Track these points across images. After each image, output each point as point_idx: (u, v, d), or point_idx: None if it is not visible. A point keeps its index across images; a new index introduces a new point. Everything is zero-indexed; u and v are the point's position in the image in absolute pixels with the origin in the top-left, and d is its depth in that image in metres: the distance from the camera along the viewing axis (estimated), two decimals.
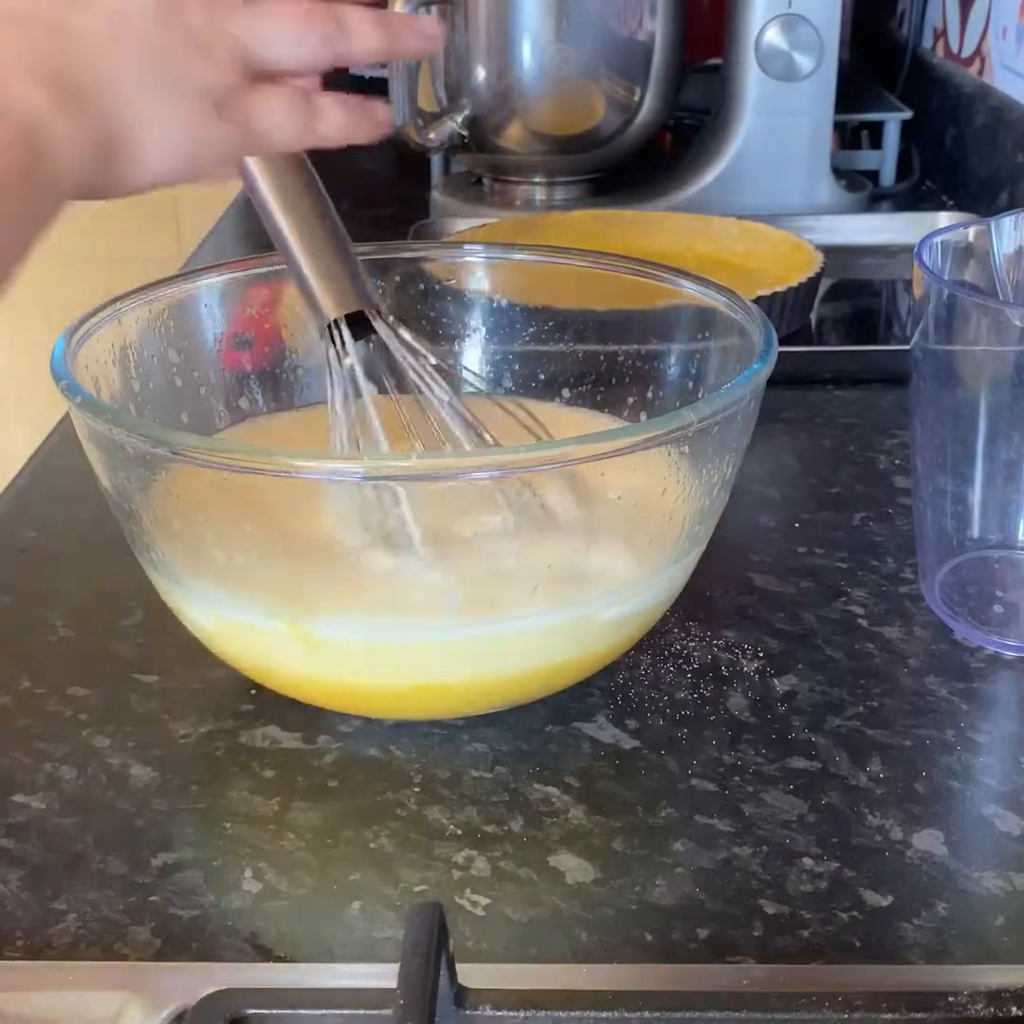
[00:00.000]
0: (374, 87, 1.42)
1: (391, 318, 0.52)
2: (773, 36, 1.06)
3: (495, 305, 0.65)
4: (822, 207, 1.10)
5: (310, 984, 0.41)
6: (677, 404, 0.58)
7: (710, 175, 1.10)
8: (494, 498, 0.49)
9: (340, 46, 0.45)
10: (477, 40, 1.06)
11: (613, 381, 0.62)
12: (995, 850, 0.47)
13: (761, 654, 0.57)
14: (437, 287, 0.65)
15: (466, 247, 0.69)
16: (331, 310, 0.51)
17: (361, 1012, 0.37)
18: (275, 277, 0.60)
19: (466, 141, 1.10)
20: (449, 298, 0.65)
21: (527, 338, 0.64)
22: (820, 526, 0.67)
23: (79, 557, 0.65)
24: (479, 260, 0.66)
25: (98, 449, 0.49)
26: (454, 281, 0.65)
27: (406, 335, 0.52)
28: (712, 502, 0.52)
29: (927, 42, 1.27)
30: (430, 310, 0.65)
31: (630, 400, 0.61)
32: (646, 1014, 0.37)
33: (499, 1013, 0.37)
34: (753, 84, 1.08)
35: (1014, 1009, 0.37)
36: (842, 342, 0.93)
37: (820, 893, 0.45)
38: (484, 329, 0.65)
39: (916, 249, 0.56)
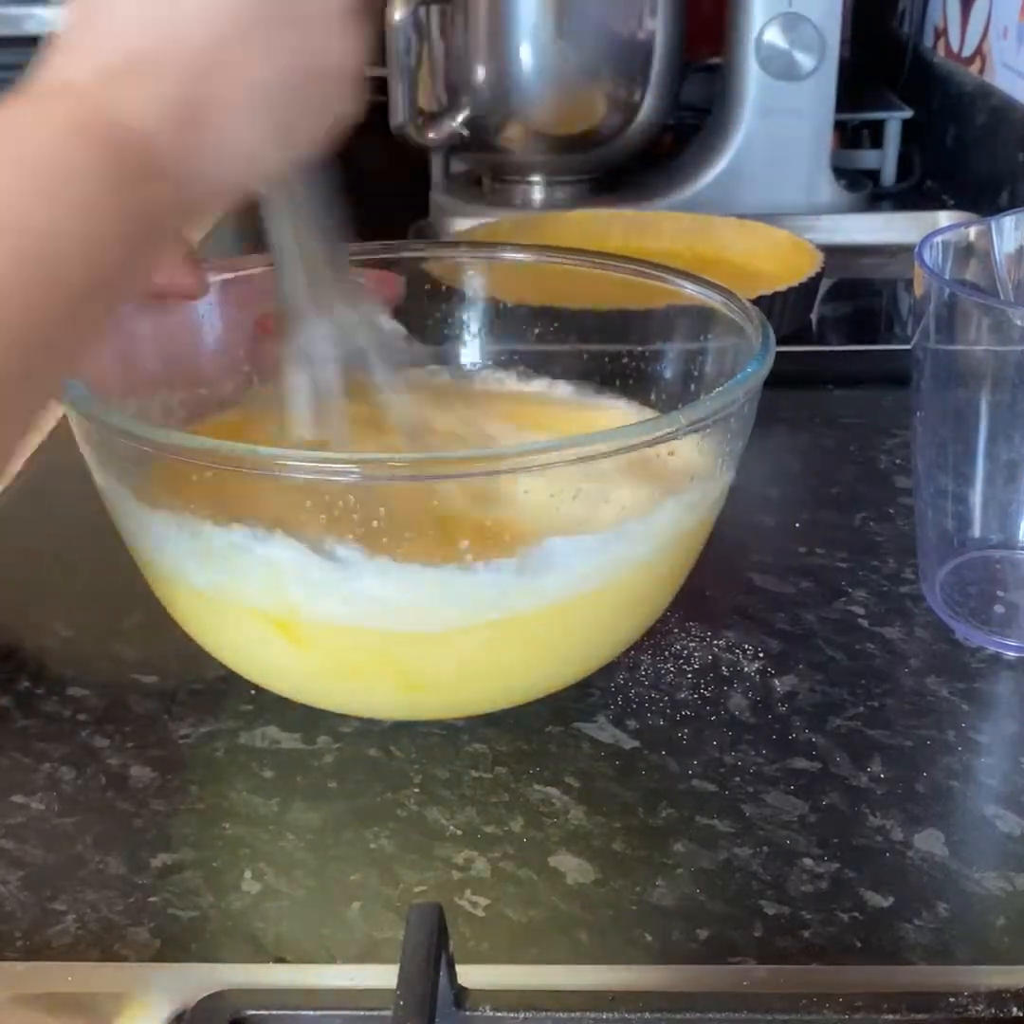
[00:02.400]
0: (373, 86, 1.42)
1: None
2: (773, 35, 1.06)
3: (495, 305, 0.65)
4: (822, 207, 1.10)
5: (310, 984, 0.41)
6: (678, 405, 0.58)
7: (710, 175, 1.10)
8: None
9: None
10: (477, 40, 1.06)
11: (616, 383, 0.62)
12: (996, 850, 0.47)
13: (761, 654, 0.57)
14: (437, 287, 0.65)
15: (466, 247, 0.69)
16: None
17: (361, 1012, 0.37)
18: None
19: (466, 141, 1.10)
20: (449, 298, 0.65)
21: (527, 338, 0.64)
22: (820, 526, 0.67)
23: (79, 557, 0.65)
24: (479, 260, 0.66)
25: (89, 446, 0.49)
26: (454, 281, 0.65)
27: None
28: (708, 505, 0.52)
29: (928, 41, 1.27)
30: (431, 310, 0.65)
31: (631, 401, 0.61)
32: (646, 1015, 0.37)
33: (499, 1014, 0.37)
34: (753, 84, 1.08)
35: (1015, 1009, 0.37)
36: (842, 342, 0.93)
37: (821, 894, 0.45)
38: (484, 329, 0.65)
39: (917, 249, 0.55)
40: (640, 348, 0.61)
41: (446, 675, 0.50)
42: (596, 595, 0.49)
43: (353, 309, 0.54)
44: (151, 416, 0.57)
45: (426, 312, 0.65)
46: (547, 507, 0.49)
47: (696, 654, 0.57)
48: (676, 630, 0.58)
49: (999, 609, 0.59)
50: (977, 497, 0.59)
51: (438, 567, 0.47)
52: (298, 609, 0.48)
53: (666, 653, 0.57)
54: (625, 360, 0.62)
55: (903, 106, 1.21)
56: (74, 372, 0.42)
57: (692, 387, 0.59)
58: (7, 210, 0.36)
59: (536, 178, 1.14)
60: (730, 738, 0.52)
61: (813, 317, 0.90)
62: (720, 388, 0.49)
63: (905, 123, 1.20)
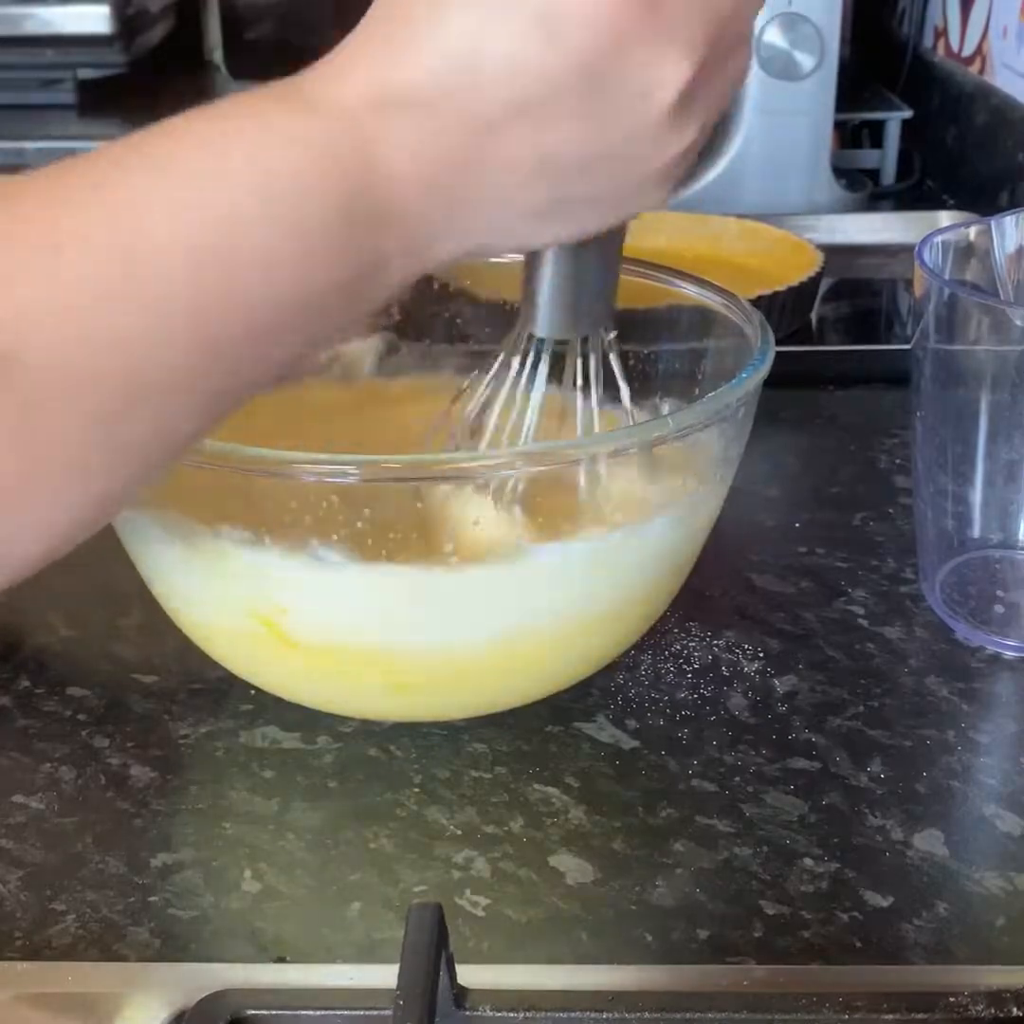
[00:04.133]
0: None
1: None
2: (773, 35, 1.06)
3: (497, 305, 0.65)
4: (822, 207, 1.10)
5: (310, 984, 0.41)
6: (678, 406, 0.58)
7: (710, 175, 1.10)
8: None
9: None
10: None
11: (619, 383, 0.62)
12: (996, 850, 0.47)
13: (761, 654, 0.57)
14: (437, 287, 0.65)
15: None
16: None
17: (361, 1012, 0.37)
18: None
19: None
20: (450, 298, 0.65)
21: None
22: (820, 526, 0.67)
23: (79, 557, 0.64)
24: (480, 260, 0.66)
25: None
26: (455, 281, 0.65)
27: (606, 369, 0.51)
28: (708, 505, 0.52)
29: (928, 41, 1.27)
30: (432, 310, 0.65)
31: (634, 401, 0.61)
32: (646, 1014, 0.37)
33: (499, 1013, 0.37)
34: (753, 83, 1.08)
35: (1014, 1009, 0.37)
36: (842, 342, 0.93)
37: (820, 893, 0.45)
38: (486, 330, 0.65)
39: (917, 249, 0.55)
40: (640, 348, 0.61)
41: (432, 679, 0.49)
42: (594, 599, 0.49)
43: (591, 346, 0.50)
44: None
45: (427, 312, 0.65)
46: (544, 510, 0.49)
47: (696, 654, 0.57)
48: (676, 630, 0.58)
49: (999, 609, 0.59)
50: (977, 497, 0.59)
51: (425, 573, 0.46)
52: (285, 611, 0.47)
53: (666, 653, 0.57)
54: (633, 362, 0.62)
55: (903, 106, 1.21)
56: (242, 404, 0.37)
57: (693, 388, 0.59)
58: (235, 236, 0.33)
59: None
60: (730, 738, 0.52)
61: (813, 317, 0.90)
62: (720, 389, 0.49)
63: (905, 123, 1.20)
